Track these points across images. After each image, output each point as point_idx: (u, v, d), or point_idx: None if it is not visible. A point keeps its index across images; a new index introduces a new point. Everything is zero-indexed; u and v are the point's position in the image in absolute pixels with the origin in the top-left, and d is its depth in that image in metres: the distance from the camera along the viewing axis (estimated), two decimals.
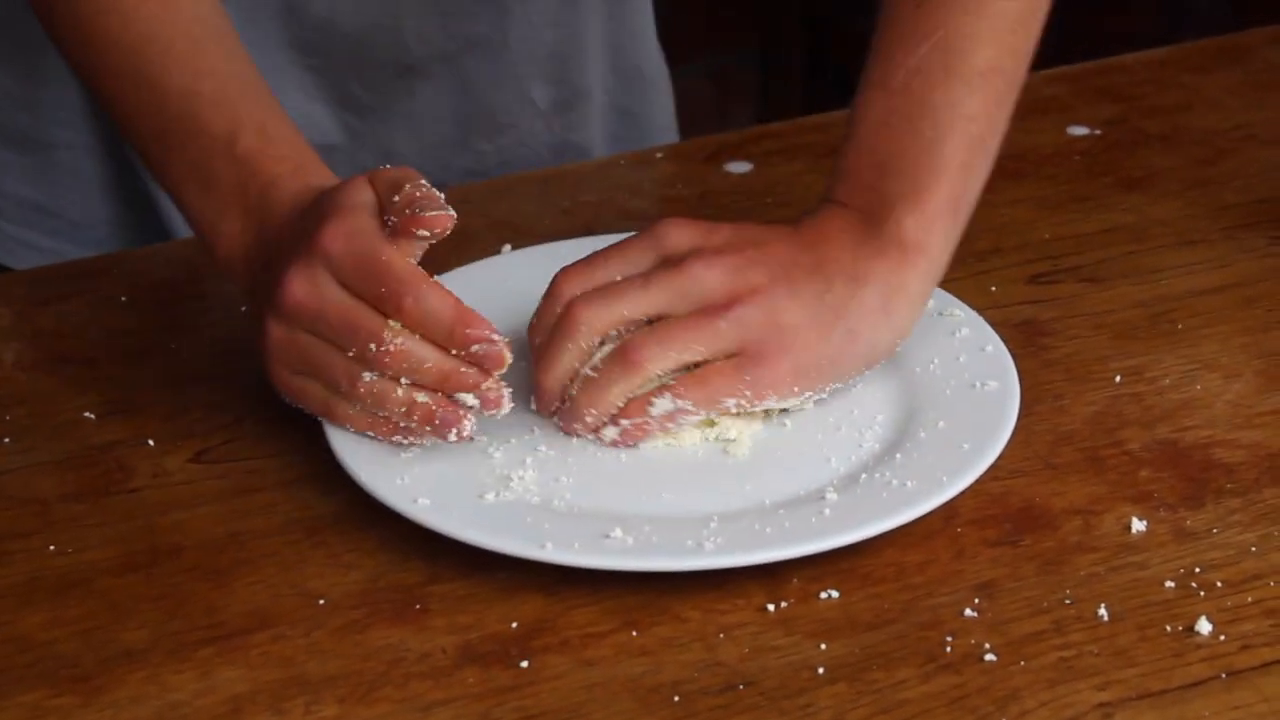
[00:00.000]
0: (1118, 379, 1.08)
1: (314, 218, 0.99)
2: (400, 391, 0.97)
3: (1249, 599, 0.92)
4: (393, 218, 0.97)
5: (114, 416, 1.07)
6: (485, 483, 0.98)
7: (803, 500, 0.97)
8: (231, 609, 0.93)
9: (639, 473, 0.99)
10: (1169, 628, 0.90)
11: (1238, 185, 1.27)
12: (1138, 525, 0.97)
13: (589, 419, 1.00)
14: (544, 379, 1.01)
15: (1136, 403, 1.06)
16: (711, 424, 1.01)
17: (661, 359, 0.99)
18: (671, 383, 0.99)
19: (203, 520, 0.99)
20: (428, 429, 0.97)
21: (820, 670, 0.89)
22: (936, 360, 1.06)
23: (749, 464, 1.00)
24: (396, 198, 0.97)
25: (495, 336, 0.96)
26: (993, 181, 1.27)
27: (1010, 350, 1.06)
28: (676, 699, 0.87)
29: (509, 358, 0.96)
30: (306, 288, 0.98)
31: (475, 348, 0.95)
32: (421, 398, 0.97)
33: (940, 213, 1.03)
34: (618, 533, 0.94)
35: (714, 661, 0.89)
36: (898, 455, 0.99)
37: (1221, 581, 0.93)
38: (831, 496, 0.96)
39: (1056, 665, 0.88)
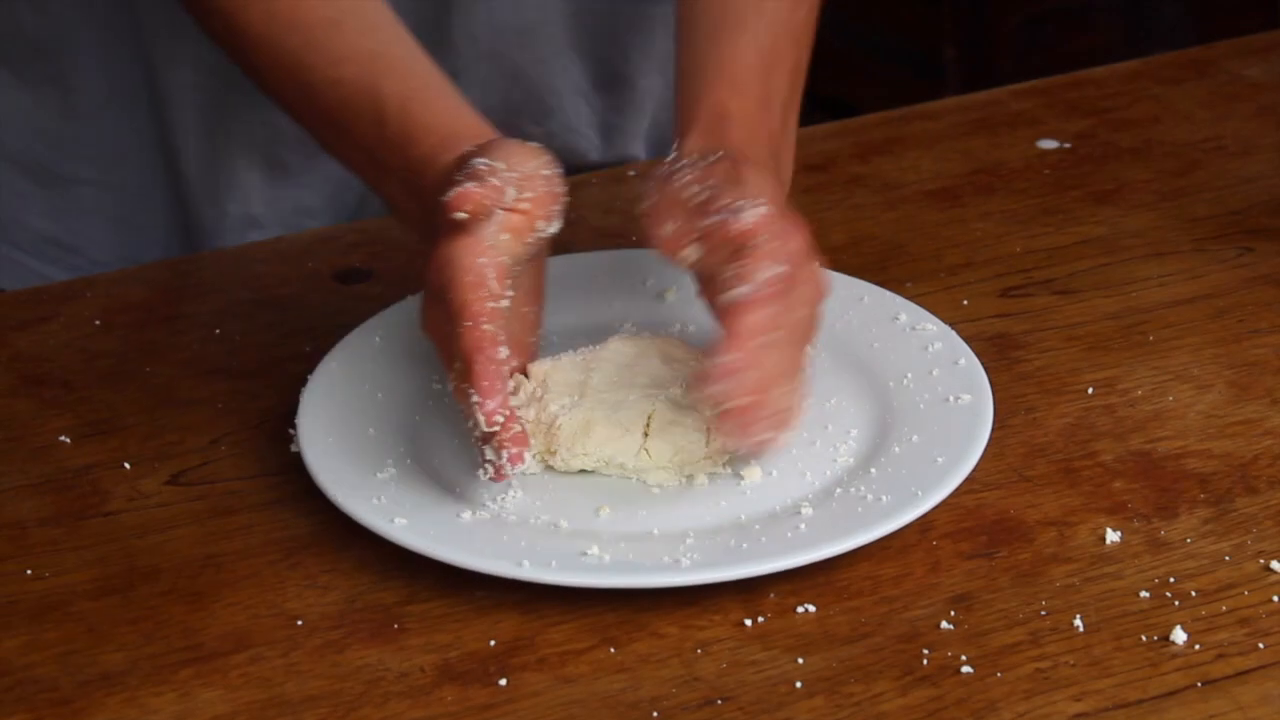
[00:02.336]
0: (1090, 391, 1.08)
1: (434, 229, 0.98)
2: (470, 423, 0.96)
3: (1223, 608, 0.92)
4: (440, 199, 0.96)
5: (90, 439, 1.07)
6: (462, 502, 0.98)
7: (778, 516, 0.97)
8: (210, 631, 0.93)
9: (615, 491, 1.00)
10: (1144, 638, 0.91)
11: (1208, 197, 1.27)
12: (1112, 536, 0.97)
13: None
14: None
15: (1109, 414, 1.06)
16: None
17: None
18: None
19: (180, 542, 0.99)
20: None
21: (798, 684, 0.89)
22: (910, 374, 1.06)
23: (724, 480, 1.00)
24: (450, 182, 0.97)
25: (474, 399, 0.94)
26: (963, 195, 1.29)
27: (983, 363, 1.07)
28: (655, 715, 0.88)
29: (484, 427, 0.94)
30: (427, 311, 0.99)
31: (474, 399, 0.94)
32: (476, 434, 0.96)
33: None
34: (594, 550, 0.94)
35: (692, 677, 0.90)
36: (872, 470, 1.00)
37: (1196, 591, 0.94)
38: (807, 511, 0.97)
39: (1033, 676, 0.89)
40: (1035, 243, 1.23)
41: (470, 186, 0.95)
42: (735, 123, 1.05)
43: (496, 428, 0.94)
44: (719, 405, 0.95)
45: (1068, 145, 1.35)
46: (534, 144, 1.01)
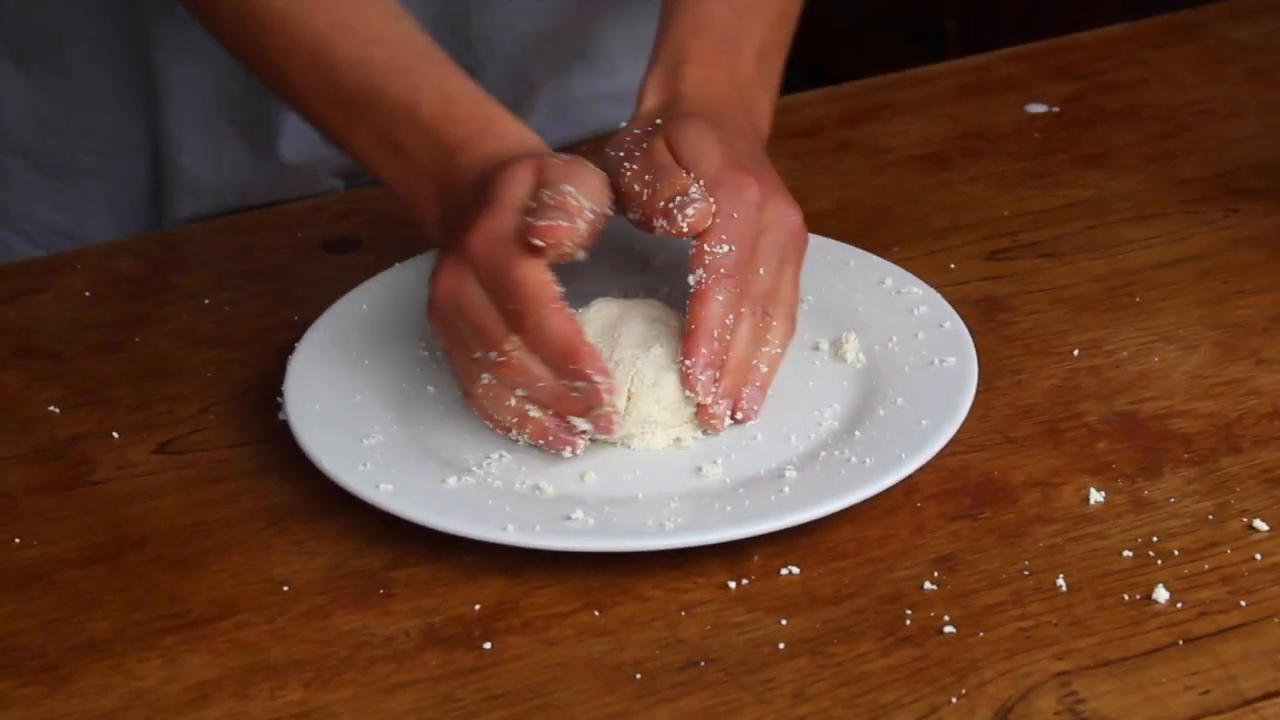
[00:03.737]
0: (1076, 353, 1.09)
1: (475, 204, 0.99)
2: (513, 401, 0.98)
3: (1206, 566, 0.93)
4: (527, 218, 0.97)
5: (79, 409, 1.08)
6: (447, 468, 0.98)
7: (763, 479, 0.97)
8: (196, 597, 0.94)
9: (599, 455, 1.00)
10: (1126, 596, 0.91)
11: (1195, 159, 1.28)
12: (1096, 496, 0.97)
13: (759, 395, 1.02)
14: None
15: (1094, 375, 1.07)
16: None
17: (797, 305, 1.04)
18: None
19: (167, 510, 1.00)
20: (539, 443, 0.98)
21: (781, 645, 0.89)
22: (895, 338, 1.07)
23: (708, 444, 1.00)
24: (534, 201, 0.97)
25: (597, 378, 0.96)
26: (951, 159, 1.29)
27: (969, 326, 1.07)
28: (639, 677, 0.88)
29: (607, 401, 0.96)
30: (451, 282, 0.98)
31: (577, 383, 0.96)
32: (534, 413, 0.98)
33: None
34: (579, 514, 0.94)
35: (676, 639, 0.90)
36: (857, 432, 1.00)
37: (1179, 550, 0.94)
38: (791, 474, 0.97)
39: (1015, 636, 0.89)
40: (1022, 206, 1.23)
41: (562, 225, 0.96)
42: (691, 65, 1.07)
43: (611, 396, 0.96)
44: (699, 400, 1.00)
45: (1056, 109, 1.35)
46: (596, 169, 1.01)
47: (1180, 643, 0.88)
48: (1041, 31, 1.48)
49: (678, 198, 0.99)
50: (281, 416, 1.03)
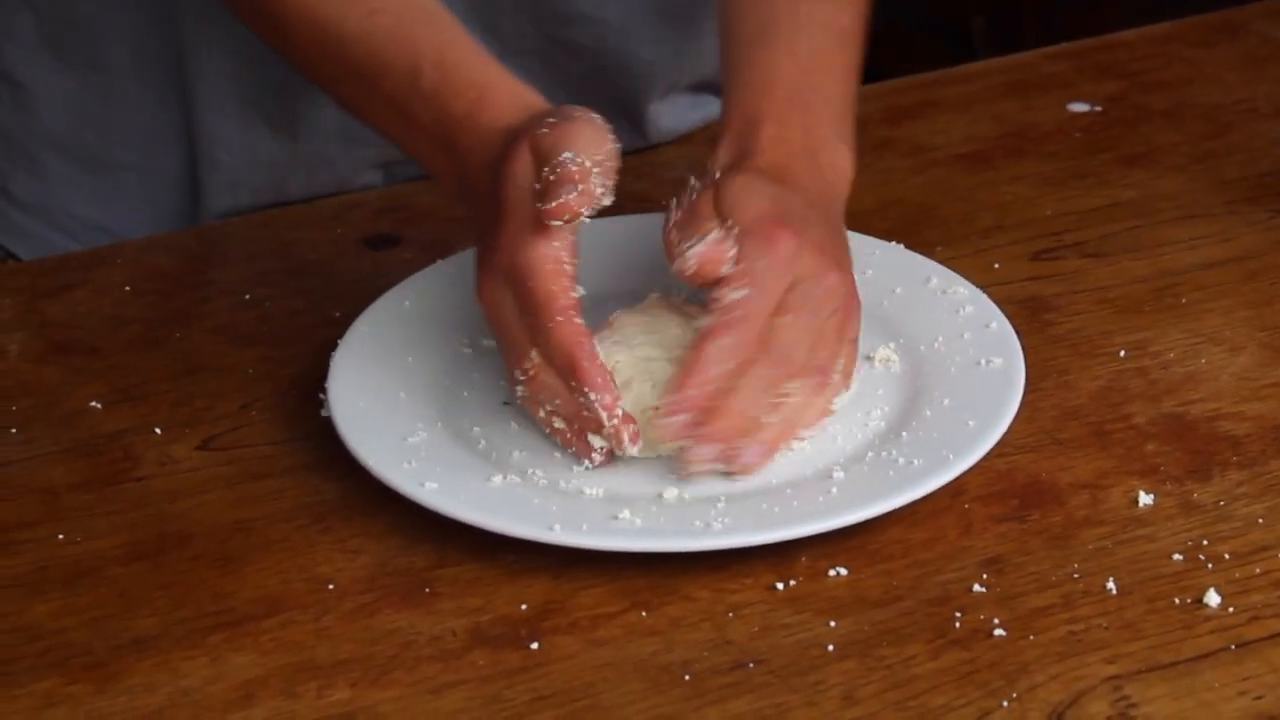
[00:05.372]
0: (1122, 354, 1.08)
1: (493, 206, 0.98)
2: (543, 412, 0.98)
3: (1257, 570, 0.92)
4: (538, 204, 0.96)
5: (120, 405, 1.07)
6: (491, 466, 0.98)
7: (810, 479, 0.97)
8: (241, 595, 0.94)
9: (646, 456, 0.99)
10: (1177, 600, 0.90)
11: (1240, 159, 1.27)
12: (1145, 499, 0.97)
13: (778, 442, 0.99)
14: (735, 436, 0.97)
15: (1141, 377, 1.06)
16: None
17: (837, 367, 1.00)
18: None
19: (211, 507, 0.99)
20: (570, 451, 0.99)
21: (830, 648, 0.89)
22: (941, 338, 1.06)
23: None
24: (538, 183, 0.96)
25: (593, 395, 0.95)
26: (994, 158, 1.28)
27: (1014, 327, 1.06)
28: (687, 678, 0.88)
29: (607, 420, 0.95)
30: (488, 294, 0.99)
31: (583, 399, 0.95)
32: (558, 423, 0.98)
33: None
34: (626, 514, 0.94)
35: (723, 640, 0.90)
36: (904, 433, 0.99)
37: (1229, 554, 0.93)
38: (839, 475, 0.97)
39: (1065, 639, 0.89)
40: (1066, 205, 1.23)
41: (570, 199, 0.95)
42: (764, 125, 1.05)
43: (619, 419, 0.95)
44: (671, 440, 0.97)
45: (1099, 108, 1.34)
46: (593, 114, 1.00)
47: (1232, 647, 0.88)
48: (1070, 27, 1.48)
49: (692, 240, 0.98)
50: (324, 413, 1.02)
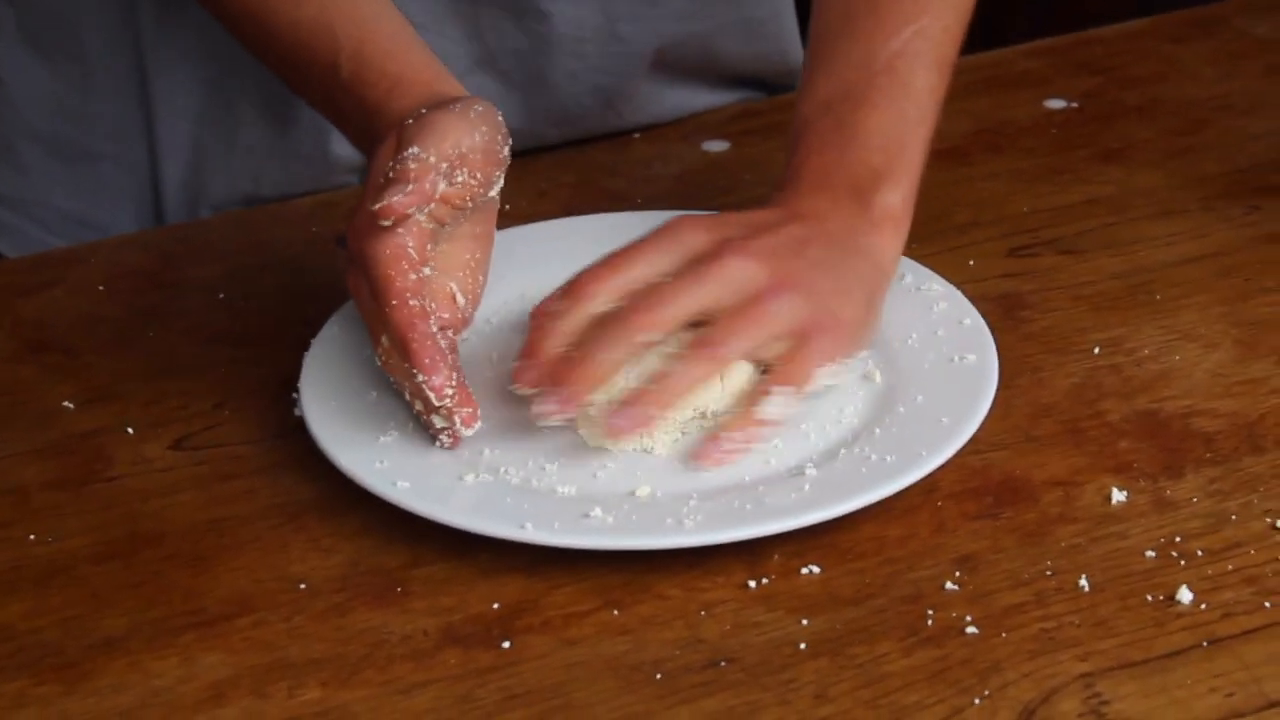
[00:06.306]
0: (1096, 350, 1.08)
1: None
2: (407, 395, 0.99)
3: (1229, 567, 0.92)
4: (367, 204, 0.97)
5: (93, 405, 1.07)
6: (464, 465, 0.98)
7: (782, 476, 0.97)
8: (213, 595, 0.93)
9: (618, 453, 0.99)
10: (1150, 597, 0.90)
11: (1216, 155, 1.27)
12: (1118, 496, 0.97)
13: (658, 417, 0.98)
14: (586, 384, 0.97)
15: (1115, 374, 1.06)
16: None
17: (735, 348, 0.98)
18: (759, 384, 0.99)
19: (183, 507, 0.99)
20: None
21: (802, 646, 0.89)
22: (915, 335, 1.06)
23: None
24: (382, 179, 0.97)
25: (420, 377, 0.95)
26: (970, 155, 1.28)
27: (989, 323, 1.06)
28: (659, 677, 0.87)
29: (437, 400, 0.95)
30: (351, 279, 1.00)
31: (418, 380, 0.96)
32: (418, 405, 0.98)
33: (915, 187, 1.07)
34: (598, 512, 0.94)
35: (696, 639, 0.89)
36: (877, 430, 0.99)
37: (1202, 550, 0.93)
38: (811, 472, 0.96)
39: (1038, 637, 0.89)
40: (1042, 202, 1.22)
41: (395, 201, 0.95)
42: (810, 155, 1.07)
43: (449, 400, 0.95)
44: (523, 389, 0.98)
45: (1075, 104, 1.34)
46: (475, 104, 1.00)
47: (1204, 644, 0.88)
48: (1053, 23, 1.48)
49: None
50: (297, 413, 1.02)
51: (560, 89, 1.30)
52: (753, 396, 0.98)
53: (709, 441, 0.97)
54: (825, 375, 0.99)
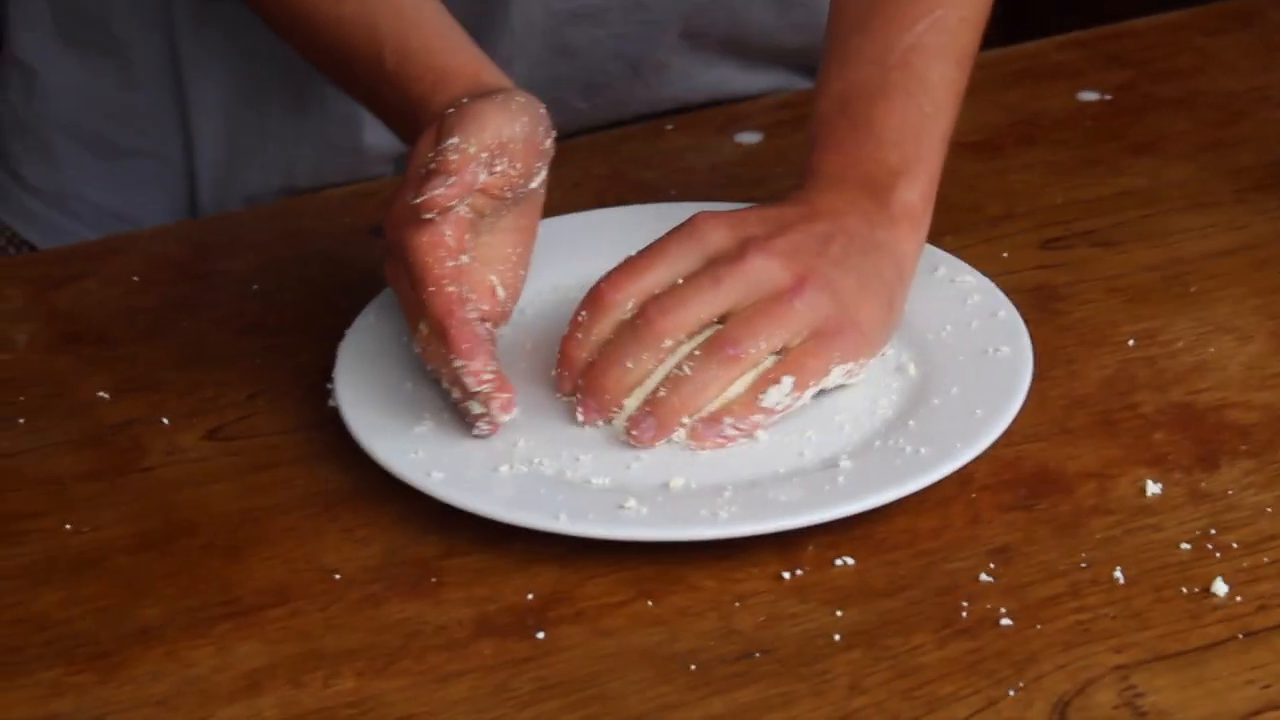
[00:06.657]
0: (1131, 343, 1.08)
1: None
2: (444, 383, 0.99)
3: (1265, 559, 0.92)
4: (409, 195, 0.97)
5: (128, 395, 1.07)
6: (498, 455, 0.98)
7: (817, 468, 0.97)
8: (248, 584, 0.94)
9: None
10: (1185, 589, 0.90)
11: (1251, 148, 1.26)
12: (1153, 488, 0.97)
13: (681, 421, 0.98)
14: (616, 392, 0.98)
15: (1150, 366, 1.06)
16: None
17: (754, 348, 0.97)
18: (768, 370, 0.98)
19: (218, 497, 1.00)
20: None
21: (836, 637, 0.89)
22: (949, 327, 1.06)
23: (762, 433, 1.00)
24: (423, 170, 0.97)
25: (457, 363, 0.95)
26: (1004, 147, 1.28)
27: (1023, 315, 1.06)
28: (693, 668, 0.87)
29: (473, 386, 0.96)
30: (390, 268, 1.00)
31: (455, 366, 0.96)
32: (455, 394, 0.98)
33: (935, 183, 1.07)
34: (632, 503, 0.94)
35: (730, 630, 0.89)
36: (911, 422, 0.99)
37: (1237, 543, 0.93)
38: (845, 464, 0.96)
39: (1073, 628, 0.88)
40: (1076, 194, 1.22)
41: (438, 194, 0.95)
42: (826, 154, 1.07)
43: (487, 385, 0.96)
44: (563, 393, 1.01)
45: (1108, 97, 1.34)
46: (516, 95, 1.00)
47: (1240, 636, 0.88)
48: (1081, 16, 1.47)
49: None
50: (331, 403, 1.02)
51: (583, 54, 1.29)
52: (760, 383, 0.98)
53: (708, 423, 0.98)
54: (838, 374, 0.99)
